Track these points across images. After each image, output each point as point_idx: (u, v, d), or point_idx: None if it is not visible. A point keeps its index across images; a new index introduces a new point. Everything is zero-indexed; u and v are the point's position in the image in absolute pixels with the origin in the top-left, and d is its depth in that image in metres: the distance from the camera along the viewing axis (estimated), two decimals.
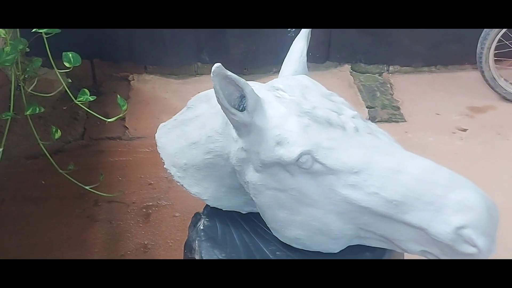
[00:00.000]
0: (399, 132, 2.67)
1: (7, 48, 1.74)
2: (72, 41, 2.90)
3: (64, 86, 1.90)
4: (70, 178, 2.16)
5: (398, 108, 2.86)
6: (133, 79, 3.06)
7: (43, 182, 2.33)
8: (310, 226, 1.19)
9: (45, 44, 1.83)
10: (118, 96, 1.91)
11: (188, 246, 1.35)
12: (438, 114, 2.83)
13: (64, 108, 2.81)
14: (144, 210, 2.21)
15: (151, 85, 3.04)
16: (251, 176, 1.21)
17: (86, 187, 2.13)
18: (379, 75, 3.13)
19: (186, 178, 1.34)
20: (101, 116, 2.07)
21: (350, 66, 3.14)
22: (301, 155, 1.11)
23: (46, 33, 1.77)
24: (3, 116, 1.84)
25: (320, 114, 1.15)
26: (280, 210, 1.21)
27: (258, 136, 1.16)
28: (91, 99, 1.86)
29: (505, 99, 2.88)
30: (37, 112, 1.93)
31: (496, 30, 2.70)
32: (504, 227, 1.21)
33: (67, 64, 1.81)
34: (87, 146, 2.62)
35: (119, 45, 2.99)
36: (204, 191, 1.34)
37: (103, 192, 2.14)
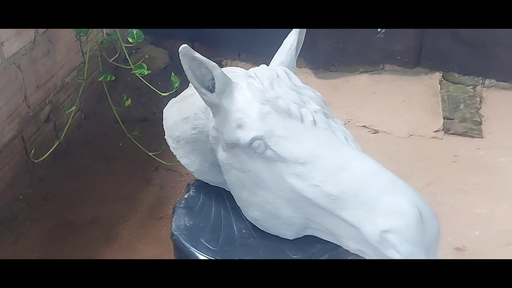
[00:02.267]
0: (470, 148, 2.54)
1: None
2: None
3: (129, 60, 2.12)
4: (135, 142, 2.42)
5: (479, 124, 2.71)
6: (226, 64, 3.25)
7: (120, 144, 2.61)
8: (265, 209, 1.27)
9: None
10: (172, 73, 2.10)
11: (172, 211, 1.49)
12: None
13: (159, 83, 3.11)
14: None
15: None
16: (220, 154, 1.32)
17: (149, 153, 2.38)
18: (473, 88, 2.97)
19: (179, 149, 1.49)
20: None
21: (441, 75, 3.03)
22: (253, 139, 1.20)
23: None
24: (75, 79, 2.13)
25: (281, 104, 1.22)
26: (243, 190, 1.30)
27: (224, 117, 1.26)
28: (146, 73, 2.07)
29: None
30: (108, 79, 2.19)
31: None
32: None
33: (130, 40, 2.04)
34: None
35: (216, 31, 3.19)
36: (191, 163, 1.47)
37: (164, 160, 2.37)
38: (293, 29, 1.43)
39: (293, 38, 1.41)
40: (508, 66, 2.91)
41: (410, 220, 1.06)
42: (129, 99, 2.30)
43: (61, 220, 2.17)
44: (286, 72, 1.32)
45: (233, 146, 1.25)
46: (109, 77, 2.18)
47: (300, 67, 3.20)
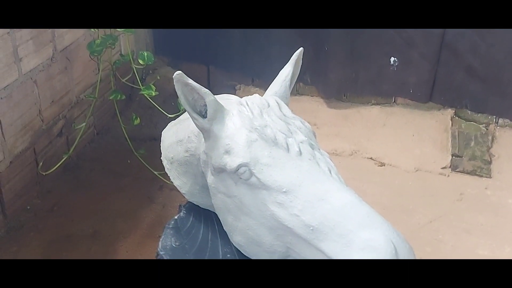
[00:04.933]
0: (477, 187, 2.52)
1: (98, 41, 2.08)
2: (193, 48, 3.27)
3: (138, 81, 2.19)
4: (141, 160, 2.47)
5: (489, 163, 2.68)
6: (239, 89, 3.30)
7: (128, 161, 2.66)
8: (247, 235, 1.29)
9: (127, 43, 2.15)
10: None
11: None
12: None
13: (173, 104, 3.17)
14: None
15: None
16: (209, 177, 1.35)
17: (155, 172, 2.42)
18: (485, 126, 2.95)
19: (172, 170, 1.52)
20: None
21: (454, 111, 3.01)
22: (239, 166, 1.22)
23: (128, 33, 2.08)
24: (87, 97, 2.20)
25: (268, 133, 1.24)
26: (228, 215, 1.32)
27: (213, 142, 1.29)
28: (154, 94, 2.12)
29: None
30: (118, 98, 2.26)
31: None
32: None
33: (141, 62, 2.10)
34: None
35: (232, 56, 3.25)
36: (183, 185, 1.50)
37: (168, 180, 2.39)
38: (289, 61, 1.47)
39: (289, 69, 1.45)
40: None
41: (384, 255, 1.07)
42: (138, 118, 2.35)
43: (64, 232, 2.22)
44: (277, 102, 1.35)
45: (220, 171, 1.28)
46: (119, 96, 2.24)
47: (312, 96, 3.23)
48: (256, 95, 1.38)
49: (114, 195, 2.45)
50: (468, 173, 2.62)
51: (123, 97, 2.26)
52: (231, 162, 1.24)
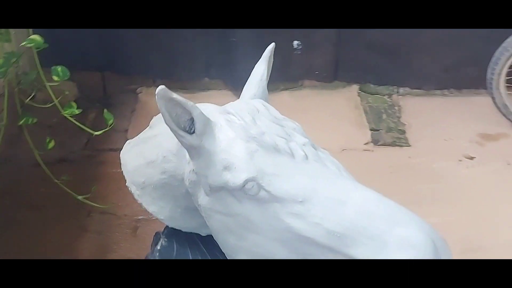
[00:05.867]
0: (402, 157, 2.62)
1: (0, 61, 1.79)
2: (85, 53, 2.99)
3: (54, 100, 1.94)
4: (64, 188, 2.21)
5: (404, 132, 2.80)
6: (141, 92, 3.11)
7: (42, 190, 2.38)
8: (255, 253, 1.18)
9: (34, 59, 1.89)
10: (105, 110, 1.95)
11: None
12: (446, 140, 2.75)
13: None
14: (134, 223, 2.23)
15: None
16: (202, 199, 1.21)
17: (79, 197, 2.17)
18: (388, 97, 3.08)
19: (144, 196, 1.35)
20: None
21: (358, 87, 3.10)
22: (246, 181, 1.10)
23: (36, 48, 1.82)
24: None
25: (267, 140, 1.14)
26: (229, 235, 1.20)
27: (207, 159, 1.16)
28: (77, 112, 1.90)
29: None
30: (29, 122, 1.98)
31: (507, 55, 2.62)
32: None
33: (55, 78, 1.85)
34: (90, 156, 2.67)
35: (129, 58, 3.04)
36: (160, 211, 1.35)
37: (97, 203, 2.18)
38: (262, 59, 1.37)
39: (263, 68, 1.35)
40: (422, 72, 3.05)
41: (427, 252, 1.03)
42: (52, 140, 2.09)
43: None
44: (264, 105, 1.25)
45: (219, 189, 1.15)
46: (30, 120, 1.96)
47: (220, 90, 3.14)
48: (239, 100, 1.27)
49: (39, 230, 2.17)
50: (389, 145, 2.71)
51: (35, 120, 1.98)
52: (235, 178, 1.11)
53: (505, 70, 2.67)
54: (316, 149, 1.19)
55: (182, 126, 1.15)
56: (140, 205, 1.37)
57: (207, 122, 1.15)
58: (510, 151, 2.67)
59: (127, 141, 1.46)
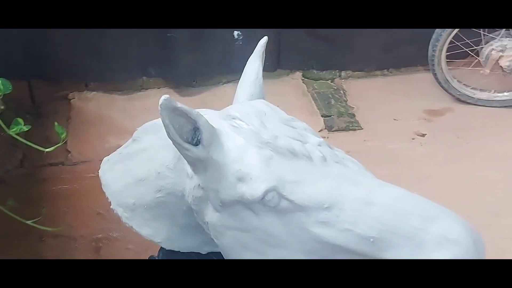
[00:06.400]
0: (357, 141, 2.59)
1: None
2: (7, 61, 2.71)
3: None
4: (9, 213, 1.97)
5: (354, 116, 2.78)
6: (74, 98, 2.87)
7: None
8: None
9: None
10: (56, 123, 1.74)
11: None
12: (395, 119, 2.77)
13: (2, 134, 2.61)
14: (94, 243, 2.04)
15: (94, 103, 2.86)
16: (211, 216, 1.08)
17: (28, 222, 1.95)
18: (332, 81, 3.05)
19: (135, 218, 1.21)
20: (42, 139, 1.91)
21: (301, 73, 3.05)
22: (266, 192, 0.99)
23: None
24: None
25: (282, 144, 1.03)
26: (245, 252, 1.08)
27: (216, 172, 1.03)
28: (26, 129, 1.68)
29: (460, 100, 2.85)
30: None
31: (448, 31, 2.66)
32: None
33: None
34: (28, 174, 2.42)
35: (57, 63, 2.79)
36: (156, 233, 1.21)
37: (47, 226, 1.95)
38: (254, 54, 1.25)
39: (258, 64, 1.24)
40: (363, 54, 3.04)
41: (469, 247, 0.97)
42: None
43: None
44: (268, 106, 1.14)
45: (233, 204, 1.04)
46: None
47: (159, 88, 2.97)
48: (241, 102, 1.15)
49: None
50: (343, 130, 2.68)
51: None
52: (253, 190, 1.00)
53: (446, 46, 2.71)
54: (332, 148, 1.10)
55: (185, 137, 1.02)
56: (131, 228, 1.22)
57: (213, 131, 1.03)
58: (456, 125, 2.73)
59: (105, 159, 1.29)
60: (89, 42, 2.75)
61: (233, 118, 1.08)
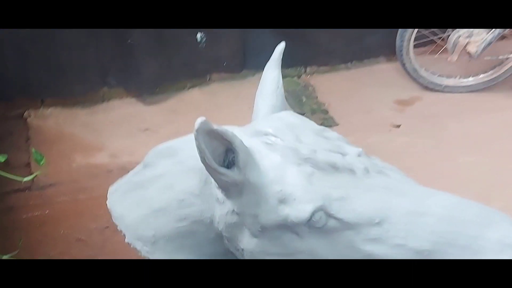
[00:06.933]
0: None
1: None
2: None
3: None
4: None
5: (327, 112, 2.74)
6: (30, 116, 2.67)
7: None
8: None
9: None
10: (34, 150, 1.60)
11: None
12: (368, 112, 2.74)
13: None
14: None
15: (53, 121, 2.67)
16: (247, 242, 0.99)
17: (4, 257, 1.78)
18: (298, 78, 2.99)
19: (156, 252, 1.10)
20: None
21: None
22: (313, 213, 0.91)
23: None
24: None
25: (322, 159, 0.95)
26: None
27: (254, 195, 0.94)
28: (3, 160, 1.52)
29: (427, 88, 2.86)
30: None
31: None
32: None
33: None
34: None
35: (8, 79, 2.58)
36: None
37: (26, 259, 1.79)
38: (271, 63, 1.17)
39: (276, 73, 1.16)
40: (326, 48, 3.00)
41: None
42: None
43: None
44: (297, 117, 1.05)
45: (275, 228, 0.95)
46: None
47: (121, 98, 2.81)
48: (268, 117, 1.06)
49: None
50: None
51: None
52: (298, 211, 0.92)
53: (414, 35, 2.70)
54: (370, 158, 1.03)
55: (217, 161, 0.92)
56: None
57: (248, 152, 0.94)
58: (428, 113, 2.73)
59: (111, 188, 1.17)
60: (41, 53, 2.56)
61: (265, 135, 0.99)
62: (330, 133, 1.05)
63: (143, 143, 2.48)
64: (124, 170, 2.31)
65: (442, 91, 2.86)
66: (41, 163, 1.57)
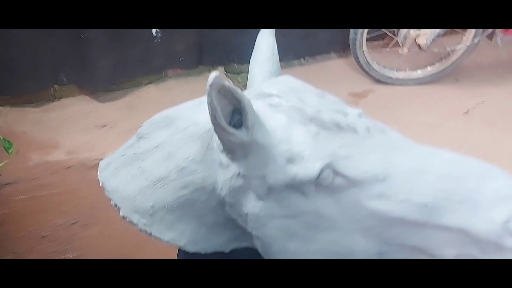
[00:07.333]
0: None
1: None
2: None
3: None
4: None
5: None
6: None
7: None
8: (327, 253, 1.00)
9: None
10: (2, 138, 1.52)
11: None
12: None
13: None
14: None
15: (2, 119, 2.55)
16: (252, 206, 0.98)
17: None
18: None
19: (154, 224, 1.07)
20: None
21: (223, 68, 2.97)
22: (322, 170, 0.92)
23: None
24: None
25: (326, 118, 0.97)
26: (290, 241, 1.00)
27: (260, 156, 0.94)
28: None
29: (379, 81, 2.95)
30: None
31: None
32: None
33: None
34: None
35: None
36: (180, 236, 1.08)
37: None
38: (265, 31, 1.17)
39: (271, 40, 1.15)
40: (281, 44, 3.00)
41: None
42: None
43: None
44: (299, 81, 1.06)
45: (282, 188, 0.95)
46: None
47: (74, 96, 2.73)
48: (271, 80, 1.06)
49: None
50: None
51: None
52: (307, 169, 0.92)
53: (367, 29, 2.78)
54: (371, 119, 1.05)
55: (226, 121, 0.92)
56: (149, 235, 1.07)
57: (255, 111, 0.93)
58: (381, 104, 2.81)
59: (102, 163, 1.13)
60: None
61: (269, 96, 0.99)
62: (330, 96, 1.06)
63: (102, 138, 2.42)
64: (84, 166, 2.27)
65: (393, 84, 2.96)
66: (10, 151, 1.51)
